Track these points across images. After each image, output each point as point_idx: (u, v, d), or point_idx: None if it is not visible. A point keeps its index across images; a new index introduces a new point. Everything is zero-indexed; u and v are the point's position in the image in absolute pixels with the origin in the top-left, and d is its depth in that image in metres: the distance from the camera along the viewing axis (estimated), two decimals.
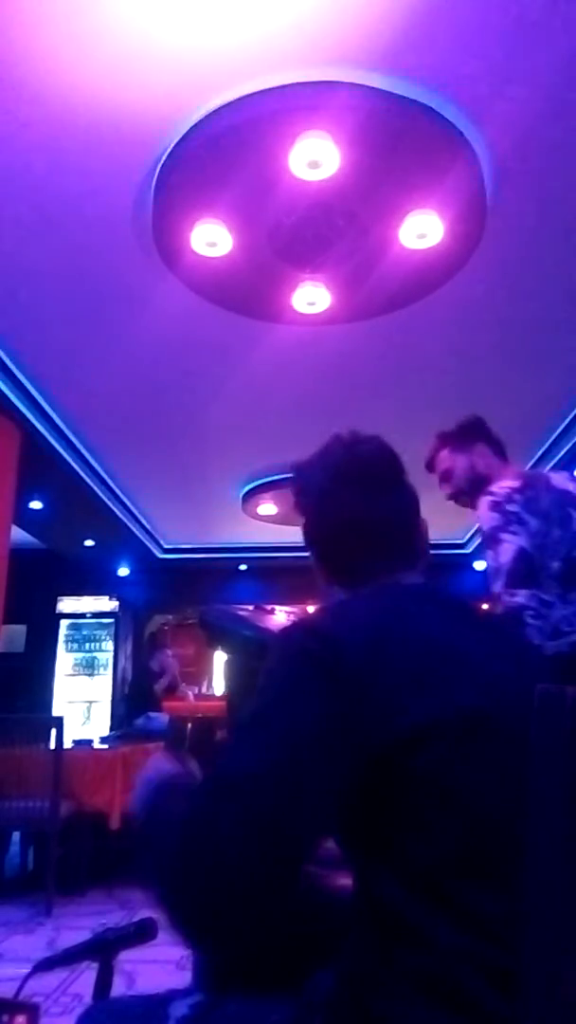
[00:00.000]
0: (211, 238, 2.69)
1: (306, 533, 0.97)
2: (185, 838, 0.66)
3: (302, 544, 0.96)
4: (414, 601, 0.84)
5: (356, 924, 0.72)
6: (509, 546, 1.92)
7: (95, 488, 5.38)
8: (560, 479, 1.99)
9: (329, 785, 0.68)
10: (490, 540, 1.95)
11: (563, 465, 4.92)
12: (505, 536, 1.93)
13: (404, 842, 0.68)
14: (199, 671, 8.63)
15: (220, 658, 8.84)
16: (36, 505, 5.69)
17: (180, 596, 8.01)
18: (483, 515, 1.96)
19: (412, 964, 0.66)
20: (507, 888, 0.65)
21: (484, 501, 1.97)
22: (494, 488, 1.99)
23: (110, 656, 8.17)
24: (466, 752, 0.68)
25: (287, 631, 0.79)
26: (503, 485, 1.99)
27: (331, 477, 0.93)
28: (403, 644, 0.74)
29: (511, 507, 1.94)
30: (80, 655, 8.22)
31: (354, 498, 0.91)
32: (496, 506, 1.95)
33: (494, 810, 0.67)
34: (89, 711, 7.96)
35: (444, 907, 0.66)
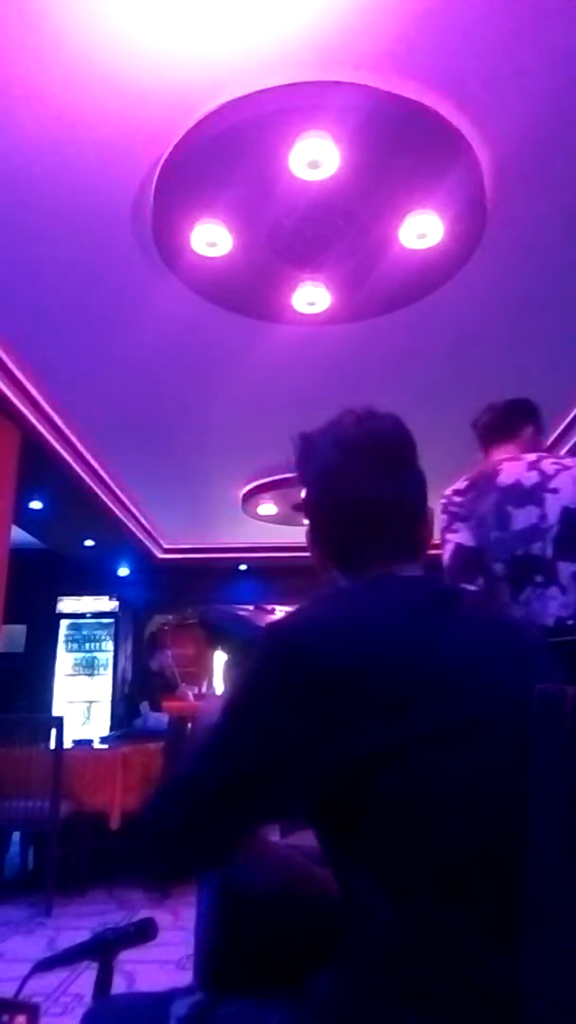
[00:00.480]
0: (211, 238, 2.69)
1: (306, 507, 0.91)
2: (148, 820, 0.78)
3: (302, 544, 0.93)
4: (408, 599, 0.79)
5: (347, 930, 0.72)
6: (449, 545, 1.95)
7: (95, 488, 5.38)
8: (516, 469, 1.95)
9: (276, 795, 0.73)
10: (441, 542, 1.98)
11: None
12: (448, 536, 1.98)
13: (389, 855, 0.67)
14: (199, 671, 8.63)
15: (220, 658, 8.84)
16: (36, 505, 5.69)
17: (180, 596, 8.01)
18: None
19: (402, 979, 0.65)
20: (500, 899, 0.63)
21: (438, 504, 2.00)
22: (446, 490, 2.00)
23: (110, 656, 8.17)
24: (455, 761, 0.66)
25: (266, 630, 0.78)
26: (452, 487, 2.01)
27: (341, 449, 0.86)
28: (388, 652, 0.71)
29: (453, 508, 1.98)
30: (80, 655, 8.22)
31: (363, 475, 0.85)
32: (444, 508, 1.99)
33: (487, 819, 0.65)
34: (89, 711, 7.96)
35: (431, 922, 0.65)
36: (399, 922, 0.65)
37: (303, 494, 0.92)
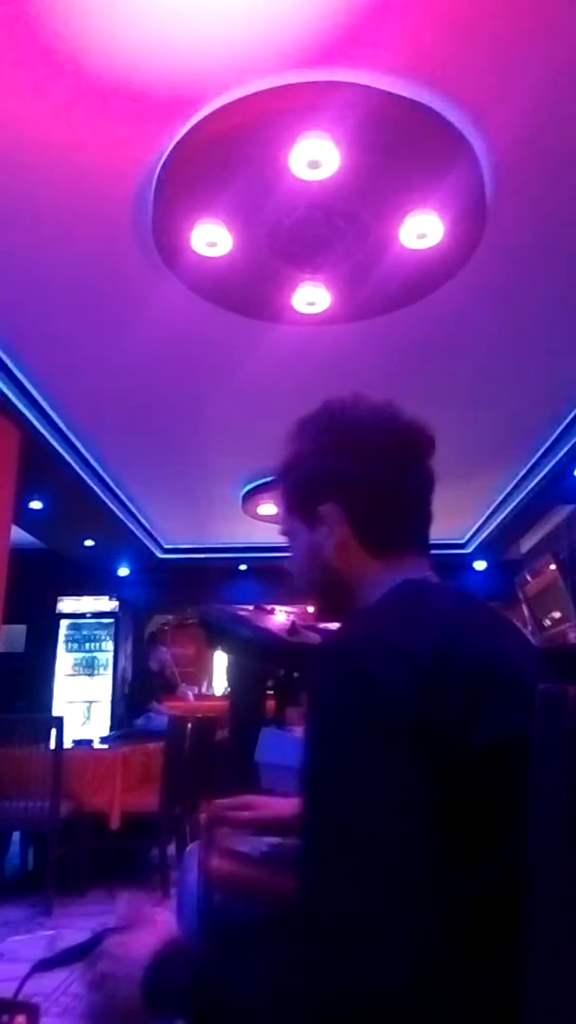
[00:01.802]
0: (211, 238, 2.69)
1: (348, 479, 0.86)
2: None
3: None
4: (459, 605, 0.79)
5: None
6: None
7: (95, 488, 5.38)
8: None
9: (433, 820, 0.63)
10: None
11: (564, 464, 4.93)
12: None
13: (454, 869, 0.64)
14: (199, 671, 8.63)
15: (220, 658, 8.84)
16: (36, 505, 5.69)
17: (180, 596, 8.00)
18: None
19: (455, 1003, 0.63)
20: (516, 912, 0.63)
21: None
22: None
23: (110, 656, 8.17)
24: (524, 775, 0.65)
25: (345, 653, 0.69)
26: None
27: (388, 432, 0.87)
28: (466, 655, 0.70)
29: None
30: (80, 655, 8.22)
31: (406, 455, 0.87)
32: None
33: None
34: (89, 711, 7.96)
35: (490, 937, 0.64)
36: (460, 939, 0.64)
37: (325, 467, 0.87)
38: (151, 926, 0.77)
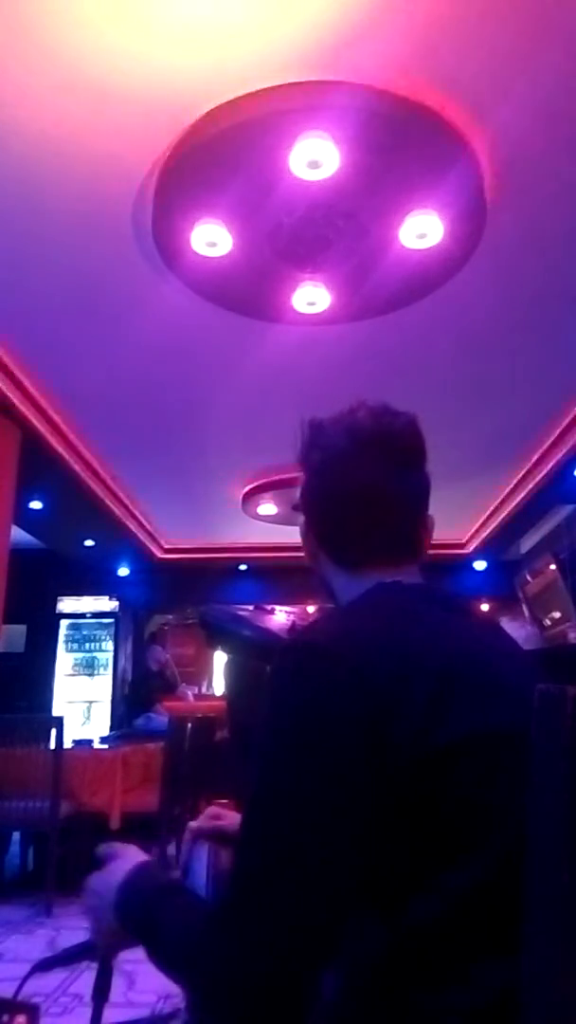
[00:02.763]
0: (211, 238, 2.69)
1: (308, 496, 0.89)
2: (222, 954, 0.63)
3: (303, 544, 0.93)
4: (427, 606, 0.79)
5: (364, 963, 0.68)
6: None
7: (95, 488, 5.38)
8: None
9: (367, 838, 0.64)
10: None
11: (564, 464, 4.93)
12: None
13: (435, 868, 0.65)
14: (199, 671, 8.63)
15: (220, 658, 8.84)
16: (36, 505, 5.69)
17: (180, 596, 8.01)
18: None
19: (451, 1004, 0.63)
20: (509, 911, 0.62)
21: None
22: None
23: (110, 656, 8.17)
24: (497, 773, 0.65)
25: (297, 653, 0.71)
26: None
27: (353, 440, 0.85)
28: (429, 656, 0.69)
29: None
30: (80, 655, 8.21)
31: (371, 467, 0.84)
32: None
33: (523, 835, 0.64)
34: (89, 711, 7.96)
35: (477, 937, 0.63)
36: (447, 943, 0.64)
37: (303, 482, 0.90)
38: (122, 859, 0.83)
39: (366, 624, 0.74)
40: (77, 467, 4.97)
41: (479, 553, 7.27)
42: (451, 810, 0.65)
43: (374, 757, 0.64)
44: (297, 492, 0.92)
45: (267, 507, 5.95)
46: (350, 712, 0.65)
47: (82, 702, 7.97)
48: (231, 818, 1.01)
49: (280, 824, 0.64)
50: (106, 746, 4.41)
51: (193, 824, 1.01)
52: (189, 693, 7.13)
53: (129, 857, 0.83)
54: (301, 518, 0.91)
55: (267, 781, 0.67)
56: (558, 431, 4.64)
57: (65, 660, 8.18)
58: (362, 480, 0.84)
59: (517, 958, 0.61)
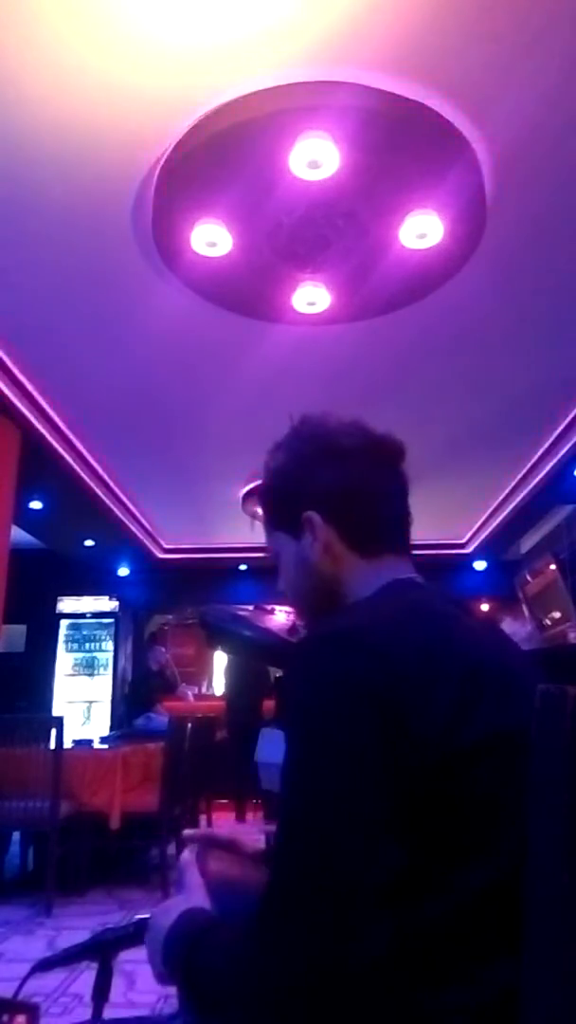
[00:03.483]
0: (211, 238, 2.69)
1: (324, 486, 0.88)
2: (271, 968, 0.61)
3: None
4: (444, 605, 0.79)
5: (367, 961, 0.66)
6: None
7: (95, 488, 5.38)
8: None
9: (399, 829, 0.63)
10: None
11: (564, 464, 4.93)
12: None
13: (449, 867, 0.65)
14: (199, 671, 8.63)
15: (220, 658, 8.84)
16: (36, 505, 5.69)
17: (180, 596, 8.01)
18: None
19: (452, 1002, 0.63)
20: (512, 909, 0.63)
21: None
22: None
23: (110, 656, 8.17)
24: (514, 773, 0.65)
25: (322, 645, 0.70)
26: None
27: (362, 439, 0.90)
28: (452, 654, 0.70)
29: None
30: (80, 655, 8.22)
31: (384, 460, 0.90)
32: None
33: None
34: (89, 711, 7.96)
35: (487, 936, 0.64)
36: (459, 940, 0.64)
37: (305, 480, 0.90)
38: (183, 893, 0.81)
39: (390, 616, 0.74)
40: (77, 467, 4.97)
41: (479, 553, 7.27)
42: (468, 809, 0.65)
43: (402, 749, 0.63)
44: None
45: None
46: (380, 700, 0.64)
47: (82, 702, 7.98)
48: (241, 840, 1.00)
49: (315, 823, 0.63)
50: (106, 746, 4.41)
51: (186, 832, 1.00)
52: (189, 693, 7.13)
53: (186, 893, 0.81)
54: (312, 523, 0.89)
55: (298, 780, 0.66)
56: (558, 431, 4.64)
57: (65, 660, 8.18)
58: (367, 475, 0.89)
59: (518, 958, 0.61)
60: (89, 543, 6.99)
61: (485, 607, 7.91)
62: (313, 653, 0.70)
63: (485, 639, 0.78)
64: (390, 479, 0.90)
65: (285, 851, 0.65)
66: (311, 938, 0.59)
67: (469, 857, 0.65)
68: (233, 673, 6.55)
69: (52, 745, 3.54)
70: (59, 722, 3.60)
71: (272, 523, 0.95)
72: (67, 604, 8.30)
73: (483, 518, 6.51)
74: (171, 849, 3.80)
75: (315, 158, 2.32)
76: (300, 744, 0.67)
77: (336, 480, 0.88)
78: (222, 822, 5.59)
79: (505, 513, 6.08)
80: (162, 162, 2.44)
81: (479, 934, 0.64)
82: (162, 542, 7.42)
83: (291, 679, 0.70)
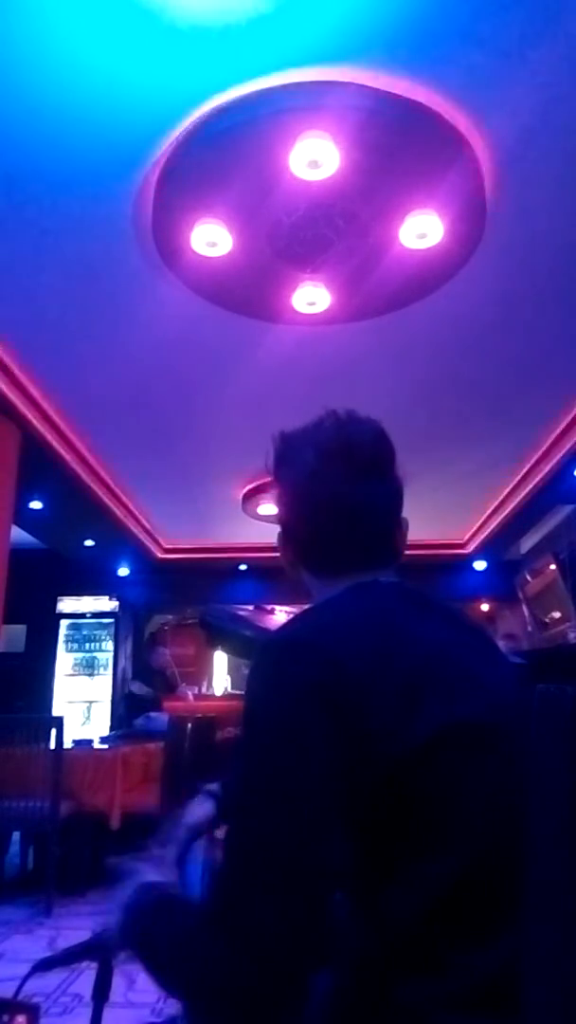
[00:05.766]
0: (211, 238, 2.69)
1: (283, 508, 0.90)
2: (220, 940, 0.62)
3: None
4: (402, 603, 0.80)
5: (348, 954, 0.70)
6: None
7: (95, 488, 5.38)
8: None
9: (343, 825, 0.65)
10: None
11: (564, 464, 4.93)
12: None
13: (411, 860, 0.66)
14: (199, 671, 8.62)
15: (220, 658, 8.84)
16: (36, 505, 5.69)
17: (180, 596, 8.00)
18: None
19: (429, 994, 0.64)
20: (495, 905, 0.64)
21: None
22: None
23: (110, 656, 8.16)
24: (471, 765, 0.66)
25: (273, 650, 0.72)
26: None
27: (316, 451, 0.86)
28: (402, 652, 0.71)
29: None
30: (80, 655, 8.21)
31: (337, 477, 0.85)
32: None
33: (498, 826, 0.65)
34: (89, 711, 7.95)
35: (455, 927, 0.64)
36: (421, 933, 0.65)
37: (276, 495, 0.92)
38: (135, 876, 0.84)
39: (341, 618, 0.75)
40: (77, 467, 4.97)
41: (479, 553, 7.26)
42: (428, 801, 0.66)
43: (352, 749, 0.64)
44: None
45: (267, 507, 5.94)
46: (329, 704, 0.65)
47: (82, 702, 7.97)
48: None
49: (263, 819, 0.65)
50: (106, 746, 4.41)
51: (189, 821, 1.01)
52: (189, 693, 7.13)
53: (140, 875, 0.84)
54: (278, 528, 0.93)
55: (247, 777, 0.68)
56: (558, 431, 4.64)
57: (65, 660, 8.18)
58: (329, 494, 0.85)
59: (492, 949, 0.62)
60: (89, 543, 6.99)
61: (485, 607, 7.91)
62: (266, 657, 0.72)
63: (443, 637, 0.77)
64: (365, 492, 0.85)
65: (233, 841, 0.68)
66: (251, 924, 0.61)
67: (433, 848, 0.65)
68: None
69: (52, 745, 3.54)
70: (59, 722, 3.60)
71: None
72: (67, 604, 8.30)
73: (483, 518, 6.51)
74: None
75: (315, 158, 2.32)
76: (249, 742, 0.69)
77: (293, 508, 0.89)
78: None
79: (505, 513, 6.08)
80: (162, 162, 2.44)
81: (444, 925, 0.64)
82: (162, 542, 7.41)
83: (248, 680, 0.72)
